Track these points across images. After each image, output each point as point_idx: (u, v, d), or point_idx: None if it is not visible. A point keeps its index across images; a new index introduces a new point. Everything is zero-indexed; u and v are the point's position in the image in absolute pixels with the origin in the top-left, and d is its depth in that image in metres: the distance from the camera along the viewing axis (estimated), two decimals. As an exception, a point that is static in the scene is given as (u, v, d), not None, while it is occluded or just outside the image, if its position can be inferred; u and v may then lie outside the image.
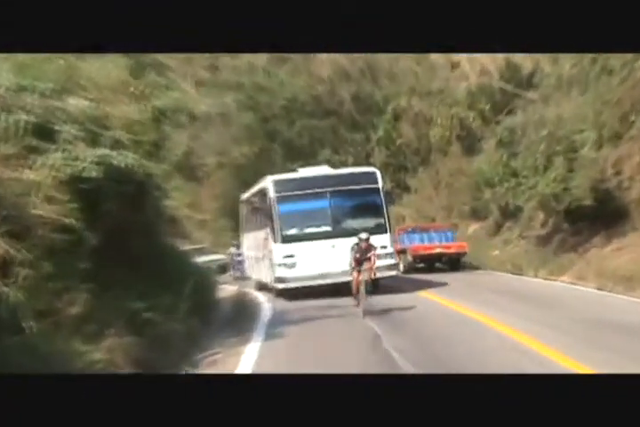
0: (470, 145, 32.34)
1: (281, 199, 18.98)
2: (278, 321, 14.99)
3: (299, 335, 12.92)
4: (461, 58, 32.76)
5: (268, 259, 19.65)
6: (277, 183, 19.31)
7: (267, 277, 20.36)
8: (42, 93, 11.29)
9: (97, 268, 10.12)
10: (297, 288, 18.69)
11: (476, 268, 25.71)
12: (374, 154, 36.00)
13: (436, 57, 33.95)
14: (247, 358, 10.84)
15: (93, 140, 11.69)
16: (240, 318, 15.99)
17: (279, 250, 18.80)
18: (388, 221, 19.16)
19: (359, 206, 19.61)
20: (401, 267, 22.99)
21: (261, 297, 20.89)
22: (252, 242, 24.06)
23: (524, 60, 30.59)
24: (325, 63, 37.24)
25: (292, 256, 18.62)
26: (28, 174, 9.96)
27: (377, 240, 16.46)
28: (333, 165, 22.08)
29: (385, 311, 15.01)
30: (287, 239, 18.77)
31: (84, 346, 8.72)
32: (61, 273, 9.36)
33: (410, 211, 34.25)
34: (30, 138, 10.35)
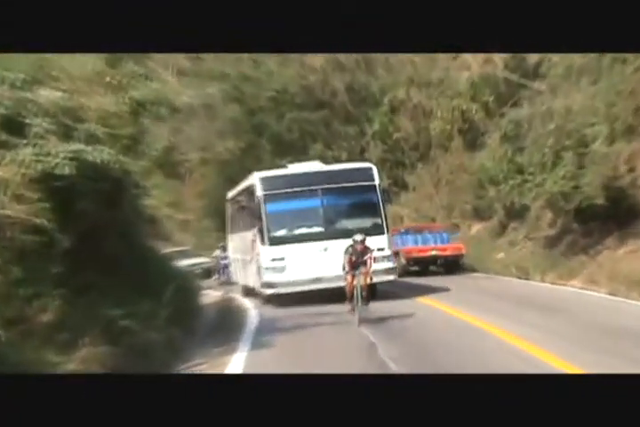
0: (473, 139, 32.38)
1: (269, 198, 18.96)
2: (266, 330, 14.96)
3: (288, 345, 12.90)
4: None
5: (256, 262, 19.63)
6: (265, 180, 19.29)
7: (254, 282, 20.34)
8: (11, 84, 11.27)
9: (70, 272, 10.09)
10: (286, 294, 18.67)
11: (474, 271, 25.75)
12: (370, 149, 35.99)
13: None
14: (233, 370, 10.82)
15: (66, 135, 11.66)
16: (225, 326, 15.97)
17: (267, 253, 18.77)
18: (386, 221, 19.14)
19: (354, 205, 19.59)
20: None
21: (248, 304, 20.86)
22: (238, 244, 24.03)
23: (531, 48, 30.58)
24: (317, 51, 37.26)
25: (281, 259, 18.60)
26: (-4, 171, 9.93)
27: (374, 242, 16.44)
28: (326, 161, 22.05)
29: (382, 319, 15.01)
30: (276, 241, 18.75)
31: (56, 356, 8.71)
32: (32, 278, 9.33)
33: (408, 210, 34.26)
34: (-2, 132, 10.33)
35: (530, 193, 23.37)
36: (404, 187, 35.23)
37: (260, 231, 18.93)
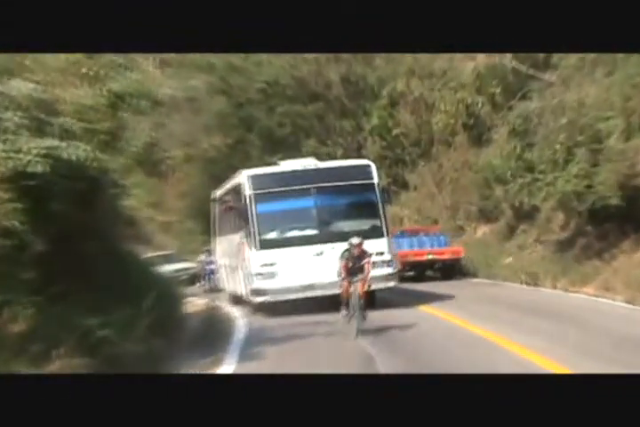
0: (478, 135, 32.41)
1: (258, 198, 18.94)
2: (255, 340, 14.94)
3: (279, 357, 12.88)
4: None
5: (244, 268, 19.61)
6: (254, 179, 19.27)
7: (242, 290, 20.32)
8: (-21, 74, 11.23)
9: (43, 278, 10.06)
10: (277, 302, 18.65)
11: (477, 276, 25.76)
12: (367, 145, 36.01)
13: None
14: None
15: (39, 130, 11.64)
16: (211, 336, 15.93)
17: (256, 257, 18.75)
18: (386, 222, 19.13)
19: (351, 206, 19.60)
20: None
21: (236, 312, 20.84)
22: (225, 248, 24.01)
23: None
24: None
25: (271, 265, 18.58)
26: (-37, 169, 9.90)
27: (372, 245, 16.43)
28: (320, 158, 22.03)
29: (381, 329, 14.99)
30: (266, 245, 18.73)
31: (28, 369, 8.67)
32: (1, 284, 9.30)
33: (408, 211, 34.28)
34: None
35: (540, 193, 23.37)
36: (405, 186, 35.25)
37: (249, 234, 18.90)
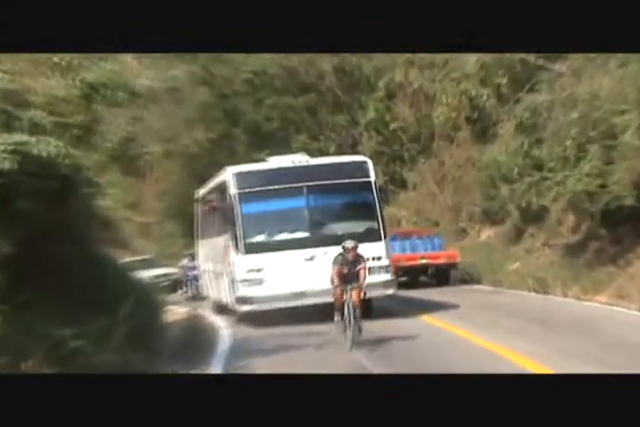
0: (483, 130, 32.44)
1: (244, 197, 18.90)
2: (240, 352, 14.92)
3: (266, 371, 12.85)
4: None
5: (229, 274, 19.57)
6: (240, 176, 19.23)
7: (227, 298, 20.29)
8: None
9: (10, 284, 10.02)
10: (265, 311, 18.62)
11: (479, 282, 25.81)
12: (363, 141, 36.04)
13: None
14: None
15: (6, 124, 11.63)
16: (193, 347, 15.91)
17: (242, 262, 18.72)
18: (383, 224, 19.10)
19: (346, 206, 19.60)
20: None
21: (220, 322, 20.81)
22: (208, 252, 23.98)
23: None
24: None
25: (258, 270, 18.54)
26: None
27: (368, 249, 16.42)
28: (311, 155, 22.00)
29: (378, 342, 14.98)
30: (252, 249, 18.69)
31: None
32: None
33: (407, 212, 34.32)
34: None
35: (549, 193, 23.38)
36: (403, 185, 35.29)
37: (234, 237, 18.86)
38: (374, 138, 35.71)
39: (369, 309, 17.21)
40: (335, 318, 15.05)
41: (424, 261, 26.38)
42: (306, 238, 18.69)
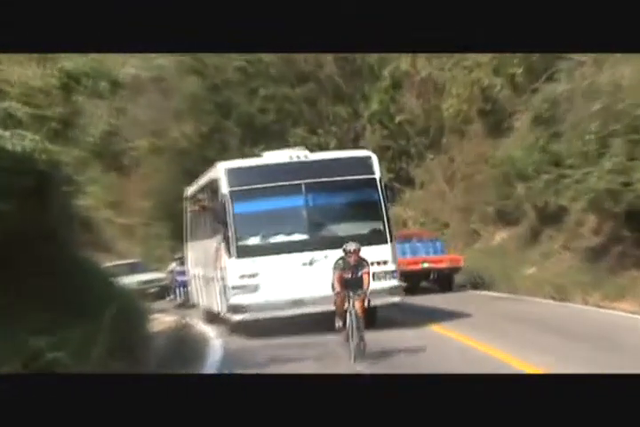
0: (496, 123, 32.46)
1: (237, 195, 18.85)
2: (232, 365, 14.88)
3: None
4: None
5: (220, 279, 19.54)
6: (232, 173, 19.19)
7: (218, 306, 20.26)
8: None
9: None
10: (259, 320, 18.57)
11: (490, 289, 25.83)
12: (366, 135, 36.06)
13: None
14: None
15: (-22, 115, 11.57)
16: (180, 359, 15.87)
17: (234, 267, 18.67)
18: (389, 226, 19.05)
19: (348, 205, 19.58)
20: None
21: (211, 332, 20.78)
22: (198, 255, 23.95)
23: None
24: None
25: (252, 276, 18.49)
26: None
27: (373, 253, 16.39)
28: (310, 150, 21.96)
29: (383, 354, 14.94)
30: (246, 252, 18.64)
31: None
32: None
33: (414, 213, 34.34)
34: None
35: (568, 191, 23.40)
36: (409, 183, 35.31)
37: (226, 239, 18.81)
38: (378, 132, 35.74)
39: (373, 318, 17.16)
40: (336, 323, 15.00)
41: (426, 265, 26.57)
42: (304, 241, 18.65)
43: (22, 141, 11.39)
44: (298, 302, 18.20)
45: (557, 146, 24.60)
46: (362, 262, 14.82)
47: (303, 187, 18.82)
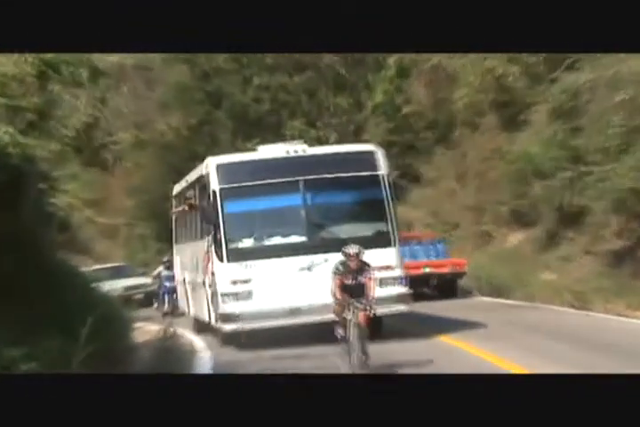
0: (512, 115, 32.43)
1: (228, 193, 18.82)
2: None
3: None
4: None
5: (210, 286, 19.52)
6: (223, 168, 19.14)
7: (208, 314, 20.23)
8: None
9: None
10: (253, 331, 18.53)
11: (503, 296, 25.79)
12: (369, 128, 36.04)
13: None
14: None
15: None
16: (166, 372, 15.83)
17: (225, 272, 18.64)
18: (395, 227, 19.02)
19: (350, 204, 19.61)
20: None
21: (199, 342, 20.75)
22: (187, 259, 23.94)
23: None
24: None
25: (245, 282, 18.45)
26: None
27: (377, 257, 16.35)
28: (308, 144, 21.92)
29: (389, 367, 14.91)
30: (238, 256, 18.60)
31: None
32: None
33: (421, 213, 34.34)
34: None
35: (590, 190, 23.41)
36: (416, 180, 35.30)
37: (216, 242, 18.77)
38: (383, 124, 35.75)
39: (378, 328, 17.14)
40: (337, 330, 14.93)
41: (427, 270, 26.65)
42: (302, 243, 18.63)
43: (-6, 134, 11.37)
44: (295, 311, 18.17)
45: (578, 141, 24.62)
46: (364, 267, 14.75)
47: (301, 184, 18.79)
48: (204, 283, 20.57)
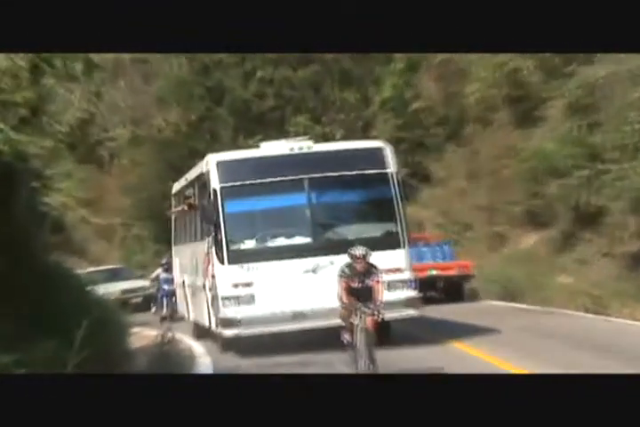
0: (526, 111, 32.42)
1: (230, 192, 18.80)
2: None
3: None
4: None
5: (210, 289, 19.50)
6: (224, 166, 19.12)
7: (208, 318, 20.21)
8: None
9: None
10: (255, 336, 18.51)
11: (517, 300, 25.78)
12: (377, 124, 36.02)
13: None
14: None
15: None
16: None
17: (226, 275, 18.62)
18: (405, 227, 18.99)
19: (357, 204, 19.62)
20: None
21: (199, 348, 20.74)
22: (187, 261, 23.93)
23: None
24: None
25: (247, 285, 18.43)
26: None
27: (385, 259, 16.39)
28: (314, 140, 21.89)
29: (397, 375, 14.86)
30: (239, 258, 18.59)
31: None
32: None
33: (431, 213, 34.31)
34: None
35: (607, 189, 23.38)
36: (426, 179, 35.30)
37: (217, 243, 18.75)
38: (391, 120, 35.72)
39: (387, 333, 17.11)
40: (343, 336, 14.88)
41: (434, 272, 26.77)
42: (307, 245, 18.62)
43: (-16, 130, 11.36)
44: (299, 316, 18.16)
45: (595, 137, 24.59)
46: (371, 269, 14.69)
47: (306, 182, 18.78)
48: (203, 286, 20.56)
